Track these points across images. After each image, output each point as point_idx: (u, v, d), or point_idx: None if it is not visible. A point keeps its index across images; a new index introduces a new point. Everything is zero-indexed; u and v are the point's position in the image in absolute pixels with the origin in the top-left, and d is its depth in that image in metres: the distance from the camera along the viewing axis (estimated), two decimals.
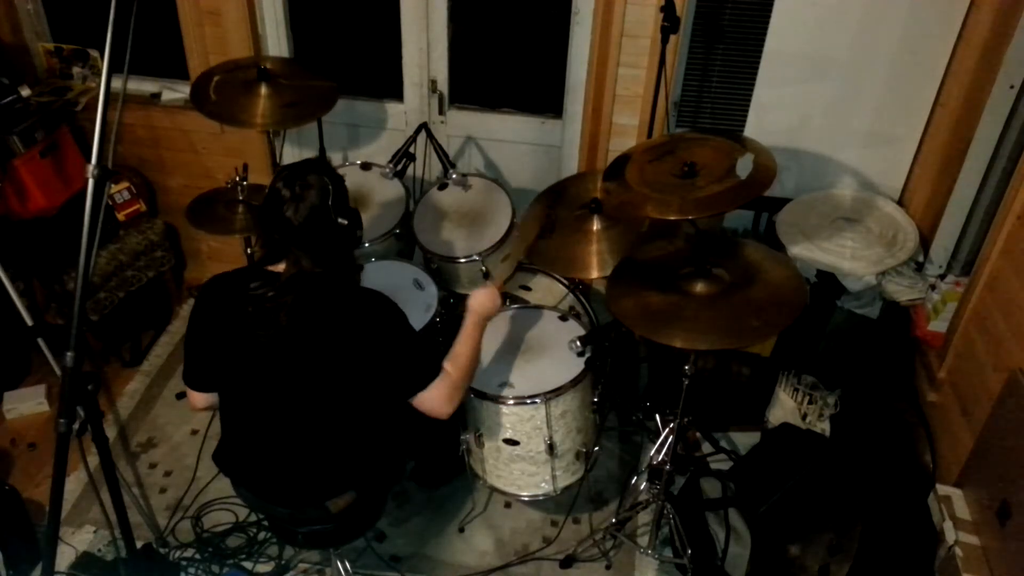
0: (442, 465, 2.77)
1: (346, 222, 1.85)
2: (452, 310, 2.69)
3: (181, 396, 3.16)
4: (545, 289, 2.82)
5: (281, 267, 1.84)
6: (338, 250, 1.88)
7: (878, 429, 2.69)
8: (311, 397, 1.90)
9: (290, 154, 3.45)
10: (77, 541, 2.62)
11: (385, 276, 2.66)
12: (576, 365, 2.38)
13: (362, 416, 1.97)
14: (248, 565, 2.57)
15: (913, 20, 2.72)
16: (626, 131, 3.02)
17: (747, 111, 3.01)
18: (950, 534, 2.13)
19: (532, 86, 3.21)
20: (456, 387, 1.98)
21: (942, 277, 2.76)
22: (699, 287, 2.05)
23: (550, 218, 2.58)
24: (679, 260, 2.15)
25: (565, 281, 2.81)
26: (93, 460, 1.95)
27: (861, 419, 2.71)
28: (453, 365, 2.00)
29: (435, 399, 1.94)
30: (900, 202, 3.03)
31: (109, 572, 2.50)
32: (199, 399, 2.05)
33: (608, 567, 2.59)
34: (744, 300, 2.01)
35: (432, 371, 1.95)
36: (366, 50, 3.27)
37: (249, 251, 2.84)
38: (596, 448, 2.55)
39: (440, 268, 2.75)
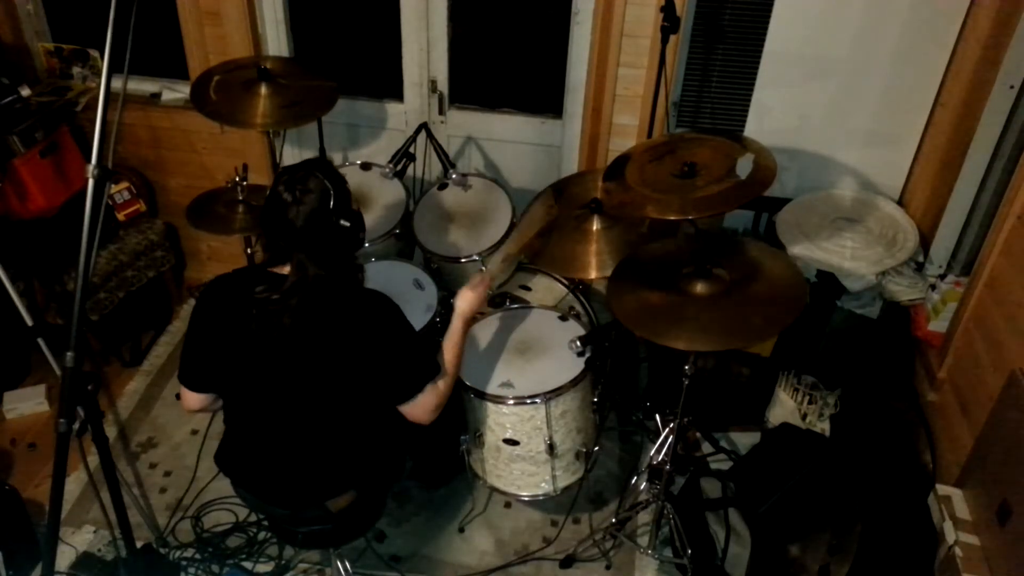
0: (442, 465, 2.77)
1: (348, 224, 1.83)
2: (452, 310, 2.69)
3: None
4: (545, 289, 2.82)
5: (285, 269, 1.83)
6: (341, 252, 1.87)
7: (878, 429, 2.69)
8: (311, 397, 1.90)
9: (290, 154, 3.45)
10: (77, 541, 2.62)
11: (385, 276, 2.66)
12: (576, 365, 2.38)
13: (362, 416, 1.97)
14: (248, 565, 2.57)
15: (913, 20, 2.72)
16: (626, 131, 3.02)
17: (747, 111, 3.00)
18: (950, 534, 2.13)
19: (532, 86, 3.21)
20: (444, 397, 1.98)
21: (942, 277, 2.76)
22: (699, 287, 2.05)
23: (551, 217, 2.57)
24: (680, 260, 2.15)
25: (565, 281, 2.81)
26: (93, 460, 1.95)
27: (861, 419, 2.71)
28: (442, 376, 1.99)
29: (424, 406, 1.94)
30: (900, 202, 3.03)
31: (109, 572, 2.50)
32: (193, 399, 2.04)
33: (608, 567, 2.59)
34: (745, 299, 2.01)
35: (431, 372, 1.94)
36: (366, 50, 3.27)
37: (249, 251, 2.84)
38: (596, 448, 2.55)
39: (440, 268, 2.75)
